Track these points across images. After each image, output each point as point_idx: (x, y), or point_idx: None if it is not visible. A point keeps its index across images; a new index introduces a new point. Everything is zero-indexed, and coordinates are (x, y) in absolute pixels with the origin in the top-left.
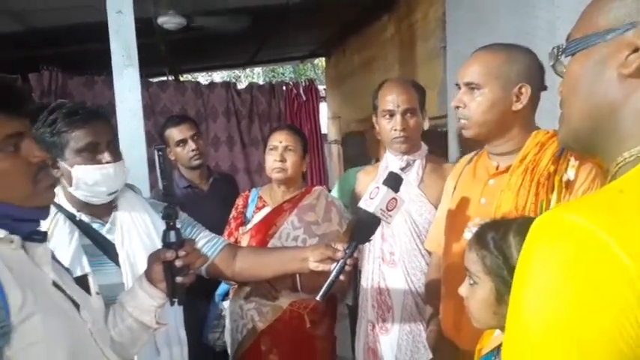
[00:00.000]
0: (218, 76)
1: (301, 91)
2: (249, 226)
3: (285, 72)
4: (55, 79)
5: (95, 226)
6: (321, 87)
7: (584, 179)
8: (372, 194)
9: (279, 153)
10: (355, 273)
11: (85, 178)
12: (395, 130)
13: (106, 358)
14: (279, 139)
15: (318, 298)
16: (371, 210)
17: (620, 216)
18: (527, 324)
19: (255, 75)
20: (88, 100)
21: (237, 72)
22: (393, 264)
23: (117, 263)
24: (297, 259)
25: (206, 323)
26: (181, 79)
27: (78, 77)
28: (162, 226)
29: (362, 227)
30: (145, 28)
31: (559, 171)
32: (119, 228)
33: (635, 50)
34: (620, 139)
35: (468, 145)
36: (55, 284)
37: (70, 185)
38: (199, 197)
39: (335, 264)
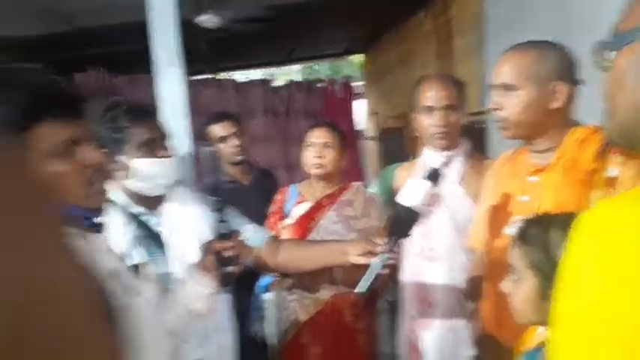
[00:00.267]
0: (254, 74)
1: (337, 88)
2: (288, 220)
3: (322, 69)
4: (101, 78)
5: (147, 217)
6: (357, 84)
7: (628, 175)
8: (411, 189)
9: (317, 149)
10: (395, 268)
11: (144, 171)
12: (435, 126)
13: (159, 344)
14: (318, 136)
15: (358, 290)
16: (410, 205)
17: None
18: (572, 320)
19: (292, 73)
20: (133, 99)
21: (273, 70)
22: (433, 260)
23: (166, 253)
24: (337, 252)
25: (248, 315)
26: (219, 77)
27: (122, 76)
28: (209, 218)
29: (401, 222)
30: (184, 27)
31: (602, 167)
32: (169, 220)
33: None
34: None
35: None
36: (112, 273)
37: (128, 178)
38: (241, 192)
39: (375, 258)
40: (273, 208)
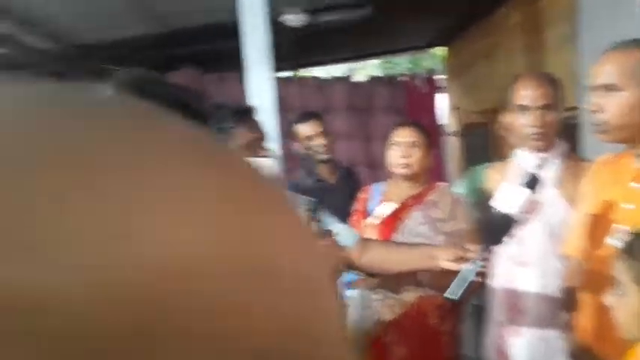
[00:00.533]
0: (334, 70)
1: (420, 82)
2: (371, 219)
3: (402, 63)
4: (192, 76)
5: None
6: (439, 77)
7: None
8: (507, 194)
9: (403, 149)
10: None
11: None
12: (530, 126)
13: None
14: (404, 135)
15: (448, 295)
16: (507, 212)
17: None
18: None
19: (371, 67)
20: (222, 98)
21: (351, 65)
22: (524, 265)
23: None
24: (426, 256)
25: None
26: (299, 74)
27: (209, 74)
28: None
29: (494, 228)
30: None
31: None
32: None
33: None
34: None
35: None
36: None
37: None
38: (327, 190)
39: (467, 265)
40: (356, 206)
